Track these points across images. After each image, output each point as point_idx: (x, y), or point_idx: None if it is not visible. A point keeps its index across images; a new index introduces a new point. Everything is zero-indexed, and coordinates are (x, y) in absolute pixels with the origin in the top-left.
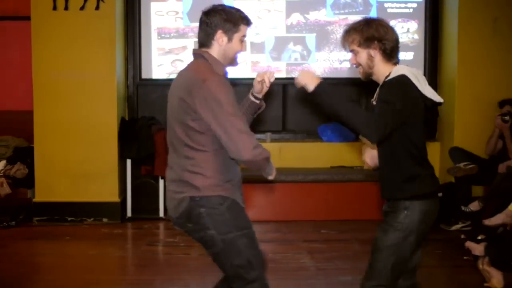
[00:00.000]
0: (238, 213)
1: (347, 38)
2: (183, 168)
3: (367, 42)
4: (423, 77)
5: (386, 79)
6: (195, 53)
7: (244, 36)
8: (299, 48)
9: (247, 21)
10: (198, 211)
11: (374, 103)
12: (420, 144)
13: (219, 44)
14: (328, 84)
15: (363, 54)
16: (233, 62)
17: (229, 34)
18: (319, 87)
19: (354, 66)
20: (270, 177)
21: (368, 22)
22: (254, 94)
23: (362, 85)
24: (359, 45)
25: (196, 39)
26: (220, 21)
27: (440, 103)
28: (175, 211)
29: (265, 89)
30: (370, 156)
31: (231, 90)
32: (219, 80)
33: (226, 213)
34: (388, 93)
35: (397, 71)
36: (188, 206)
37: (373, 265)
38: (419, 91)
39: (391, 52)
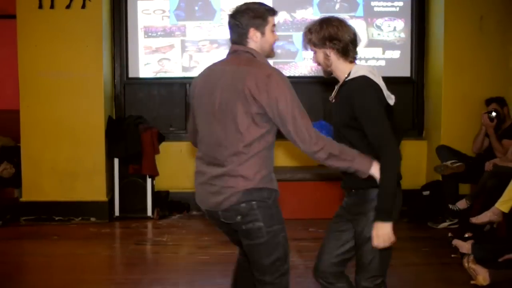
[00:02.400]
0: (279, 207)
1: (305, 39)
2: (237, 162)
3: (320, 42)
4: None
5: (347, 79)
6: (238, 49)
7: (274, 25)
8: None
9: (273, 12)
10: (250, 204)
11: (333, 100)
12: None
13: (254, 41)
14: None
15: (320, 54)
16: (271, 54)
17: (261, 28)
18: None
19: (316, 64)
20: (364, 176)
21: (321, 23)
22: None
23: None
24: (315, 46)
25: (184, 38)
26: (249, 20)
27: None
28: (221, 205)
29: None
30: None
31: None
32: (280, 75)
33: (272, 206)
34: (363, 103)
35: (356, 71)
36: (239, 199)
37: (364, 258)
38: (381, 89)
39: (344, 51)
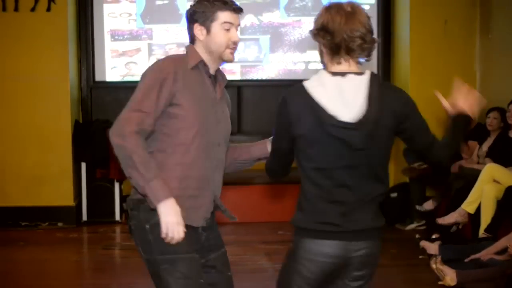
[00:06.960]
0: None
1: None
2: None
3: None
4: None
5: None
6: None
7: (227, 23)
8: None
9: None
10: None
11: None
12: None
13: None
14: None
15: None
16: (221, 56)
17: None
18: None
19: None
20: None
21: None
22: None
23: None
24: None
25: (150, 41)
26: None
27: None
28: None
29: None
30: None
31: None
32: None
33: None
34: None
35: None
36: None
37: None
38: None
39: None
